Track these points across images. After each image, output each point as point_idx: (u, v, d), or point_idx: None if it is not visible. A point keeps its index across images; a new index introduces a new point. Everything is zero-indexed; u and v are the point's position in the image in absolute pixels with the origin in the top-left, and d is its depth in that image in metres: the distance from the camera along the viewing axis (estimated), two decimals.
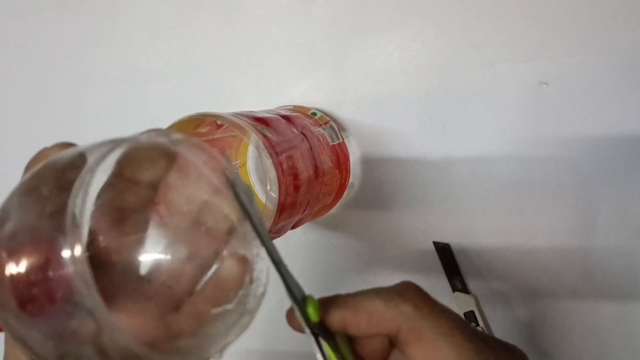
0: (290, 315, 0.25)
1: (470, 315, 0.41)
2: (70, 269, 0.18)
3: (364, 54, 0.43)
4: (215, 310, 0.25)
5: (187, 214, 0.26)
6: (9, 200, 0.21)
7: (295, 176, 0.35)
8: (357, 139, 0.44)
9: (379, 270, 0.46)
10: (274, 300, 0.26)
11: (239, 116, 0.34)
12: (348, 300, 0.25)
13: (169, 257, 0.26)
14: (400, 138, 0.43)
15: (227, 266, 0.25)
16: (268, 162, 0.33)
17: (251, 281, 0.25)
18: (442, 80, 0.41)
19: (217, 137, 0.39)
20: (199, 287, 0.26)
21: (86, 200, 0.20)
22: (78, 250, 0.18)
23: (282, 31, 0.45)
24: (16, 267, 0.19)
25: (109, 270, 0.25)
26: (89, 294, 0.18)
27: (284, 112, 0.40)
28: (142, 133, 0.23)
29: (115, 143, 0.21)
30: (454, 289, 0.42)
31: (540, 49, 0.38)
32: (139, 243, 0.26)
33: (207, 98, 0.49)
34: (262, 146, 0.33)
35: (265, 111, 0.39)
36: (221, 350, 0.23)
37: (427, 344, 0.24)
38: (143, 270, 0.26)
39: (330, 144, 0.42)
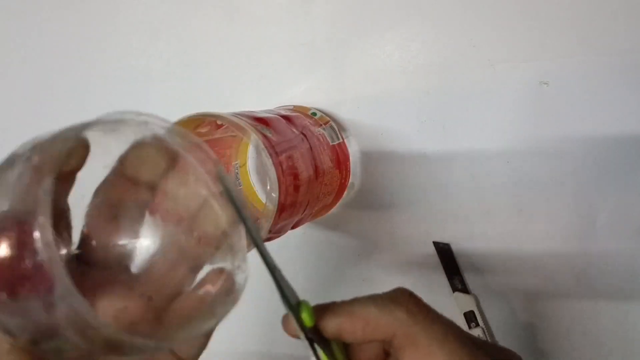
0: (285, 321, 0.25)
1: (470, 315, 0.41)
2: (43, 255, 0.18)
3: (364, 54, 0.43)
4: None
5: (181, 216, 0.26)
6: None
7: (295, 176, 0.35)
8: (357, 139, 0.44)
9: (379, 270, 0.46)
10: (272, 303, 0.26)
11: (239, 116, 0.34)
12: (343, 307, 0.25)
13: (159, 258, 0.26)
14: (400, 138, 0.43)
15: (208, 279, 0.25)
16: (268, 162, 0.33)
17: (227, 293, 0.25)
18: (442, 80, 0.41)
19: (217, 137, 0.39)
20: (188, 287, 0.26)
21: (83, 194, 0.20)
22: (48, 235, 0.18)
23: (282, 31, 0.45)
24: None
25: (98, 267, 0.25)
26: (60, 280, 0.18)
27: (284, 112, 0.40)
28: (143, 116, 0.23)
29: (115, 125, 0.21)
30: (454, 289, 0.42)
31: (540, 49, 0.38)
32: (131, 242, 0.26)
33: (207, 98, 0.49)
34: (262, 146, 0.33)
35: (265, 111, 0.39)
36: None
37: (421, 349, 0.24)
38: (133, 269, 0.26)
39: (330, 144, 0.42)
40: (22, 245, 0.19)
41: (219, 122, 0.36)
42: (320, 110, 0.44)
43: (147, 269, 0.26)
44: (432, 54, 0.41)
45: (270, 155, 0.33)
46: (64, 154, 0.21)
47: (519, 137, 0.40)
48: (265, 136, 0.34)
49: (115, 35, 0.51)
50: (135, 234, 0.26)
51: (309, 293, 0.26)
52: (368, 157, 0.44)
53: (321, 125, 0.42)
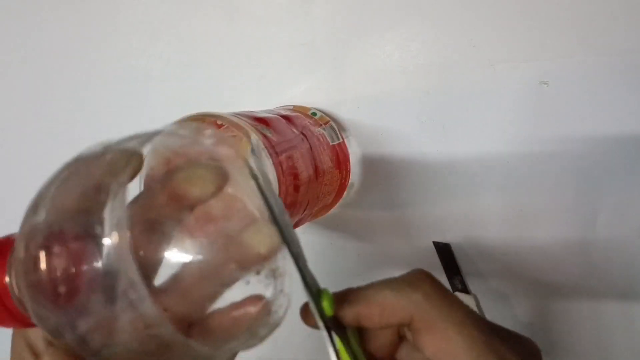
0: (304, 311, 0.25)
1: None
2: (111, 259, 0.18)
3: (364, 54, 0.43)
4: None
5: (221, 238, 0.25)
6: (46, 188, 0.21)
7: (295, 176, 0.35)
8: (357, 139, 0.44)
9: (379, 270, 0.46)
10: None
11: (239, 116, 0.34)
12: (359, 294, 0.25)
13: (186, 274, 0.25)
14: (400, 138, 0.43)
15: (244, 309, 0.25)
16: (268, 162, 0.33)
17: (268, 314, 0.24)
18: (442, 80, 0.41)
19: None
20: (214, 305, 0.25)
21: (123, 204, 0.20)
22: (119, 238, 0.18)
23: (282, 31, 0.45)
24: (54, 259, 0.19)
25: None
26: (133, 282, 0.18)
27: (284, 112, 0.40)
28: (200, 129, 0.23)
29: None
30: (454, 289, 0.42)
31: (540, 49, 0.38)
32: (161, 255, 0.25)
33: (207, 98, 0.49)
34: (262, 146, 0.33)
35: (265, 111, 0.39)
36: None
37: (438, 334, 0.24)
38: (159, 280, 0.25)
39: (330, 144, 0.42)
40: (90, 238, 0.19)
41: (219, 122, 0.36)
42: (320, 110, 0.44)
43: (174, 285, 0.25)
44: (432, 54, 0.41)
45: (270, 155, 0.33)
46: (125, 167, 0.21)
47: (519, 137, 0.39)
48: (265, 136, 0.34)
49: (115, 35, 0.51)
50: (167, 249, 0.25)
51: (323, 287, 0.26)
52: (368, 157, 0.44)
53: (321, 125, 0.42)
